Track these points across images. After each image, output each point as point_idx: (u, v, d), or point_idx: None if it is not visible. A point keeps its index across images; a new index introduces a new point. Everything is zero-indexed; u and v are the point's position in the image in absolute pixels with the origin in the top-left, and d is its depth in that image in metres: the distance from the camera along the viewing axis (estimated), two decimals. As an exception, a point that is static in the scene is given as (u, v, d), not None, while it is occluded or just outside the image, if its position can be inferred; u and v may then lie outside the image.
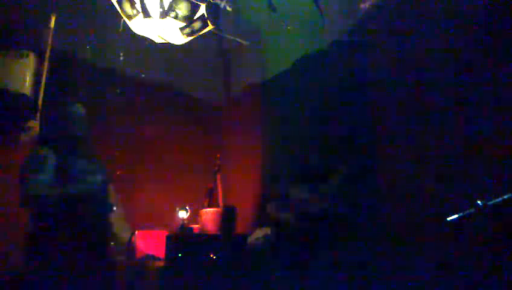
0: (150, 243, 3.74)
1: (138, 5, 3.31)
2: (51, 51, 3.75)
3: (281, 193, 3.34)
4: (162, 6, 3.30)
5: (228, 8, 3.75)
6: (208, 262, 3.31)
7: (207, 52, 4.94)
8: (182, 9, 3.35)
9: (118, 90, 4.34)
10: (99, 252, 2.73)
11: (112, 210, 2.93)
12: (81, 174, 2.71)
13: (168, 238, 3.45)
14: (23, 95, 3.61)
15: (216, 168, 4.13)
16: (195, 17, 3.46)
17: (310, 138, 3.74)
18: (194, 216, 3.76)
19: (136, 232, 3.74)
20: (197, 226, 3.74)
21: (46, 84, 3.69)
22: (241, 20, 4.59)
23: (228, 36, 4.65)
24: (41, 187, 2.53)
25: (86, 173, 2.74)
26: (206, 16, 3.49)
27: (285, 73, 4.40)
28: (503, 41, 2.64)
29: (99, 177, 2.80)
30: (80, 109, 2.89)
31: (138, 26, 3.50)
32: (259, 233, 3.60)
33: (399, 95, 3.25)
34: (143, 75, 4.63)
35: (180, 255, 3.35)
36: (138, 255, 3.70)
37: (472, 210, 1.93)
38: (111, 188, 2.96)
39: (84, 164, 2.76)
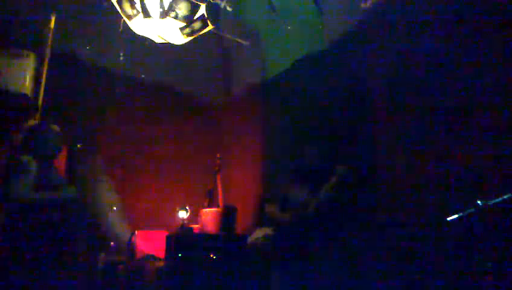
0: (150, 243, 3.74)
1: (138, 5, 3.31)
2: (51, 51, 3.75)
3: (281, 192, 3.33)
4: (162, 6, 3.30)
5: (228, 8, 3.75)
6: (207, 262, 3.31)
7: (207, 52, 4.93)
8: (182, 9, 3.35)
9: (118, 90, 4.34)
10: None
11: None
12: (50, 187, 2.81)
13: (168, 238, 3.45)
14: (23, 95, 3.61)
15: (216, 168, 4.13)
16: (195, 17, 3.46)
17: (310, 138, 3.74)
18: (194, 216, 3.76)
19: (136, 232, 3.75)
20: (197, 226, 3.73)
21: (46, 84, 3.69)
22: (241, 20, 4.58)
23: (228, 36, 4.65)
24: (18, 190, 2.61)
25: (56, 186, 2.85)
26: (206, 16, 3.49)
27: (285, 73, 4.40)
28: (504, 40, 2.64)
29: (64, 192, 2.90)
30: (53, 129, 2.98)
31: (138, 26, 3.50)
32: (259, 233, 3.60)
33: (399, 95, 3.25)
34: (143, 75, 4.63)
35: (180, 255, 3.35)
36: (138, 255, 3.70)
37: (472, 210, 1.93)
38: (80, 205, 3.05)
39: (54, 178, 2.88)
